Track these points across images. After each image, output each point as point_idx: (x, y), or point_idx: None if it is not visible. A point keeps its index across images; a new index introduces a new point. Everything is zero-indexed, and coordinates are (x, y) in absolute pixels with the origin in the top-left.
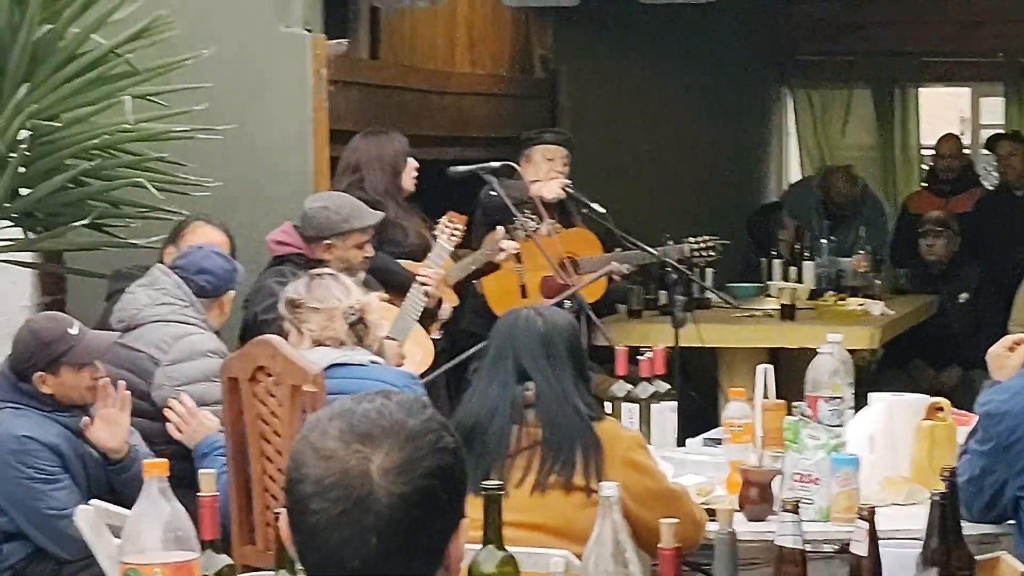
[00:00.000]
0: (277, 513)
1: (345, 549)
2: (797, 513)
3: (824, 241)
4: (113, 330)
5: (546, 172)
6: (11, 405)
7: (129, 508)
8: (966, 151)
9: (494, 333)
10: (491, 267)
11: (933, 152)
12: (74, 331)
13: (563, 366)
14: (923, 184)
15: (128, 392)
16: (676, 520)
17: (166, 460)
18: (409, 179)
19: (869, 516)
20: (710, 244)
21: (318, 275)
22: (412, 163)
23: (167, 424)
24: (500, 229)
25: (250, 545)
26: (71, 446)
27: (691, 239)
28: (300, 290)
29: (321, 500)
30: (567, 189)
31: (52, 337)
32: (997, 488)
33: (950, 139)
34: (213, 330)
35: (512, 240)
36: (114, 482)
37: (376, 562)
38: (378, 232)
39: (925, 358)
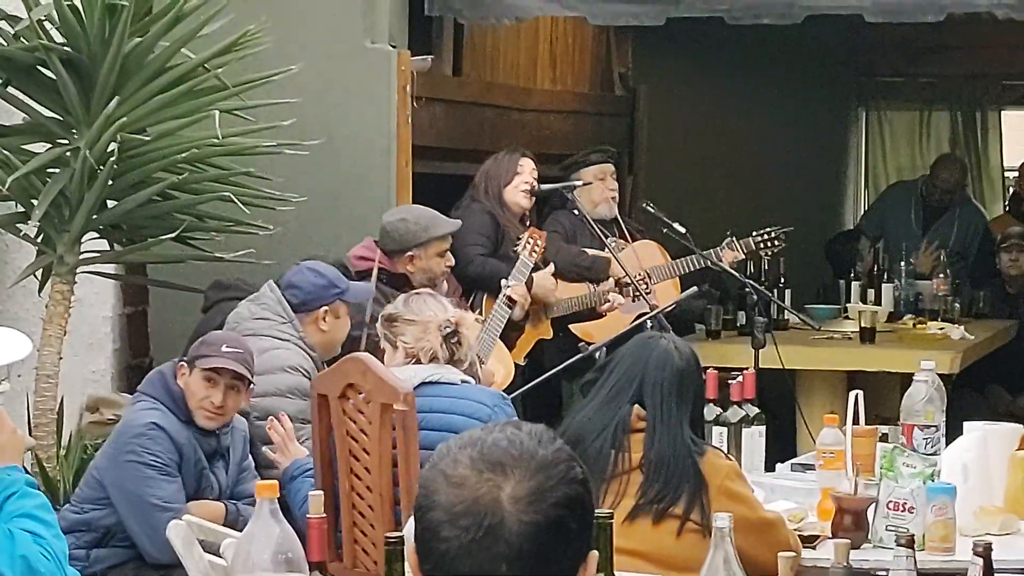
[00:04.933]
0: (367, 532)
1: None
2: (912, 548)
3: (903, 264)
4: None
5: (600, 191)
6: (151, 399)
7: None
8: None
9: (623, 355)
10: (592, 313)
11: (1016, 175)
12: (226, 348)
13: (686, 405)
14: (1006, 208)
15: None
16: (793, 554)
17: (277, 482)
18: (515, 194)
19: (985, 553)
20: (774, 235)
21: (416, 293)
22: (522, 179)
23: (264, 447)
24: (611, 280)
25: (337, 562)
26: (195, 453)
27: (755, 232)
28: (398, 305)
29: (452, 528)
30: (648, 209)
31: (208, 340)
32: None
33: None
34: (311, 346)
35: (621, 296)
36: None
37: None
38: (492, 242)
39: (1002, 382)
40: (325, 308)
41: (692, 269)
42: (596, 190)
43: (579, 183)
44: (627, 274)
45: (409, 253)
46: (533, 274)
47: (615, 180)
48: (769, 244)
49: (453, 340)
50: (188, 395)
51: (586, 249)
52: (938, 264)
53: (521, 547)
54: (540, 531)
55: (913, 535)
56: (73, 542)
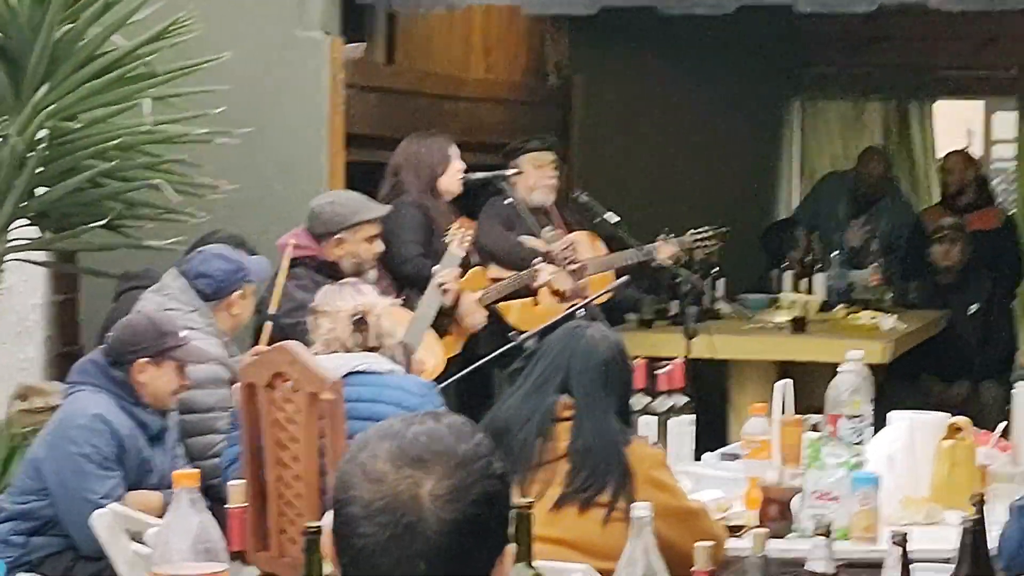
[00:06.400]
0: (294, 521)
1: (394, 573)
2: (829, 537)
3: (835, 254)
4: None
5: (536, 180)
6: (92, 385)
7: None
8: (978, 165)
9: (550, 345)
10: (526, 291)
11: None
12: (183, 333)
13: (613, 394)
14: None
15: None
16: (711, 543)
17: (197, 472)
18: (451, 182)
19: (902, 542)
20: (711, 234)
21: (340, 284)
22: (455, 166)
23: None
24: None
25: (263, 552)
26: (135, 443)
27: (692, 230)
28: (319, 297)
29: (370, 524)
30: (581, 198)
31: (169, 329)
32: None
33: (955, 155)
34: (222, 333)
35: (551, 265)
36: None
37: None
38: (425, 237)
39: (934, 372)
40: (238, 292)
41: (628, 263)
42: (531, 177)
43: (511, 172)
44: (550, 250)
45: (337, 236)
46: (461, 300)
47: (554, 169)
48: (705, 244)
49: (361, 327)
50: (154, 386)
51: (523, 239)
52: (869, 241)
53: (440, 545)
54: (459, 529)
55: (829, 524)
56: (12, 529)
